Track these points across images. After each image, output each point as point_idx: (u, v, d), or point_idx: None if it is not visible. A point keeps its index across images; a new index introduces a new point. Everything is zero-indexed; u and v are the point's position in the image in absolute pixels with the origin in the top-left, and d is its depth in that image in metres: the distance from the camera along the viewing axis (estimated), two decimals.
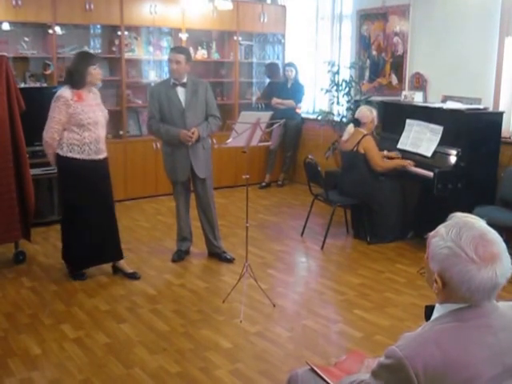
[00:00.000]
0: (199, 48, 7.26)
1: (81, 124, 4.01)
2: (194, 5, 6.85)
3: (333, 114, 6.83)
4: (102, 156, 4.17)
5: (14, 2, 5.70)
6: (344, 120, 6.51)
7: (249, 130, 3.77)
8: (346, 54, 7.09)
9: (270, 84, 7.74)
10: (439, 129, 5.02)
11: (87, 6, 6.13)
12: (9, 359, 3.13)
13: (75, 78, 4.02)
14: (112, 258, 4.37)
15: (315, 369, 1.94)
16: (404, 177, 5.21)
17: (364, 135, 5.10)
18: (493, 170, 4.99)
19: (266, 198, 7.05)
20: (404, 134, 5.39)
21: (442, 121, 5.06)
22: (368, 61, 6.70)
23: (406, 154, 5.24)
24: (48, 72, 6.10)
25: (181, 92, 4.46)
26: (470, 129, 4.86)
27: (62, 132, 4.03)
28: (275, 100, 7.39)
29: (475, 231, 1.43)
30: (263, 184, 7.58)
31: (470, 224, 1.45)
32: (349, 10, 6.97)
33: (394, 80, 6.42)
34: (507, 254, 1.43)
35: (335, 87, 6.54)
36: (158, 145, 6.08)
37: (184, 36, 6.89)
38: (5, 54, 4.53)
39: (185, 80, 4.48)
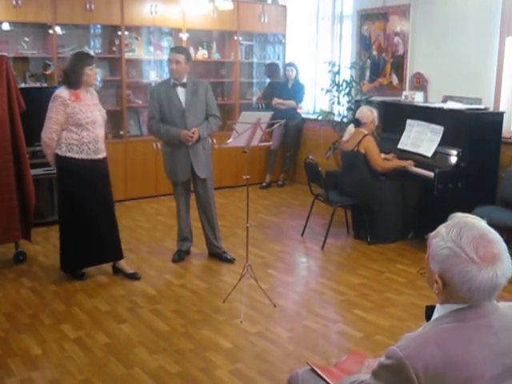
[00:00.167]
0: (200, 48, 7.25)
1: (79, 123, 4.01)
2: (194, 5, 6.85)
3: (333, 114, 6.83)
4: (101, 156, 4.17)
5: (14, 2, 5.70)
6: (344, 120, 6.51)
7: (249, 130, 3.77)
8: (346, 54, 7.09)
9: (271, 84, 7.73)
10: (440, 129, 5.02)
11: (87, 6, 6.13)
12: (9, 359, 3.13)
13: (71, 79, 4.02)
14: (112, 258, 4.37)
15: (315, 369, 1.94)
16: (404, 177, 5.21)
17: (364, 135, 5.10)
18: (493, 170, 4.99)
19: (267, 198, 7.05)
20: (404, 134, 5.39)
21: (442, 121, 5.06)
22: (368, 61, 6.70)
23: (406, 154, 5.23)
24: (48, 72, 6.10)
25: (181, 92, 4.46)
26: (470, 129, 4.86)
27: (60, 132, 4.03)
28: (276, 100, 7.38)
29: (476, 231, 1.43)
30: (264, 184, 7.57)
31: (471, 224, 1.45)
32: (349, 9, 6.96)
33: (395, 80, 6.42)
34: (508, 254, 1.43)
35: (336, 87, 6.54)
36: (159, 145, 6.08)
37: (184, 36, 6.89)
38: (5, 54, 4.52)
39: (185, 80, 4.47)
